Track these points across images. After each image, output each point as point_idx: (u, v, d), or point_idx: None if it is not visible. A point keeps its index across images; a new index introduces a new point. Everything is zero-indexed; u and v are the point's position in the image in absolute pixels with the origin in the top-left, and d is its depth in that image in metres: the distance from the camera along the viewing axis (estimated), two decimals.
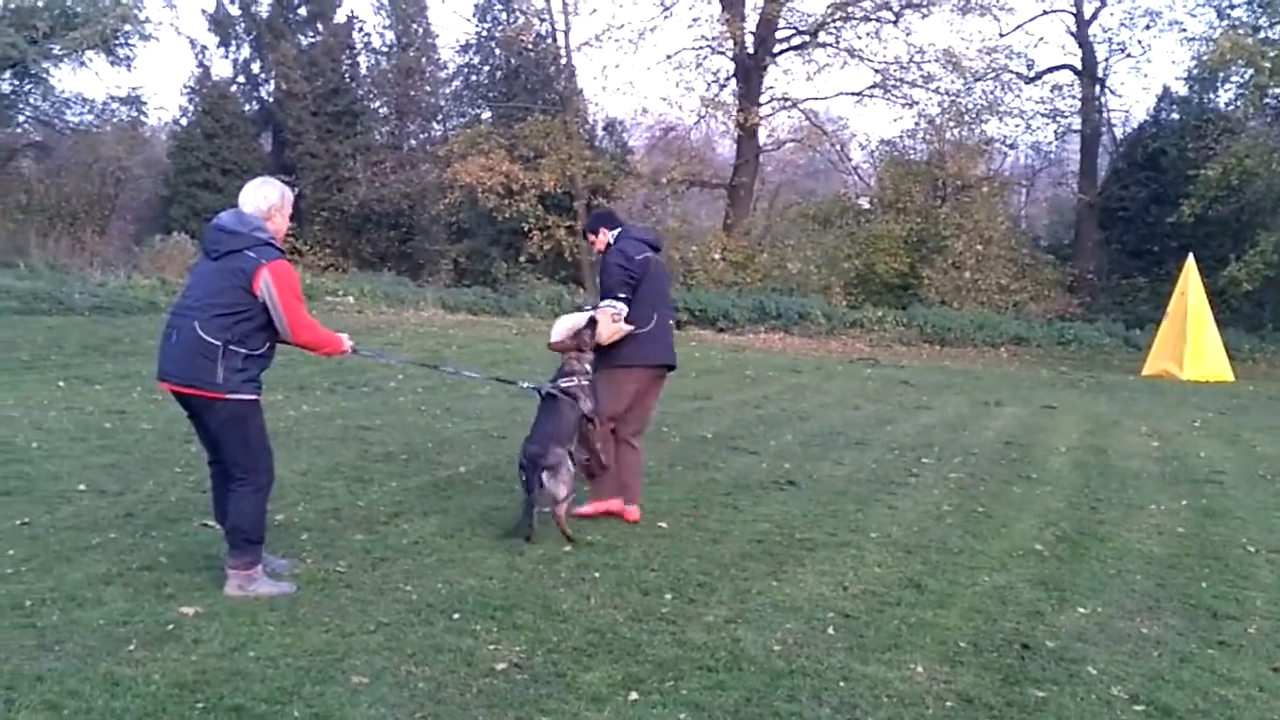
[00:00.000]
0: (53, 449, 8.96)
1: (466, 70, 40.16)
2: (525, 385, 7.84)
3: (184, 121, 37.49)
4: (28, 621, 5.00)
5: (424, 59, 39.96)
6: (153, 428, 10.09)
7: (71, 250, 29.32)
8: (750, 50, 33.86)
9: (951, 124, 33.75)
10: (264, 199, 5.76)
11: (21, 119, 32.37)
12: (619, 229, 7.94)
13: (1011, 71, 34.68)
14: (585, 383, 7.39)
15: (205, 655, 4.71)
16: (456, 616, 5.38)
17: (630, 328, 7.51)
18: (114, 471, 8.24)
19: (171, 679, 4.43)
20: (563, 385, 7.29)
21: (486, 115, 38.16)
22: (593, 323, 7.51)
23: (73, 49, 28.04)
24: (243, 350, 5.52)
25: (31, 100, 31.63)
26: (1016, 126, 37.55)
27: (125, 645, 4.78)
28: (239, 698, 4.30)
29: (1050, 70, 36.17)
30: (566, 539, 6.91)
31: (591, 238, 8.01)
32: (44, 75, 29.93)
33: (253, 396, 5.63)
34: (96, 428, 10.00)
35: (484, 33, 38.77)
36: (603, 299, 7.64)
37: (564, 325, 7.73)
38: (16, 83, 30.27)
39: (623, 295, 7.54)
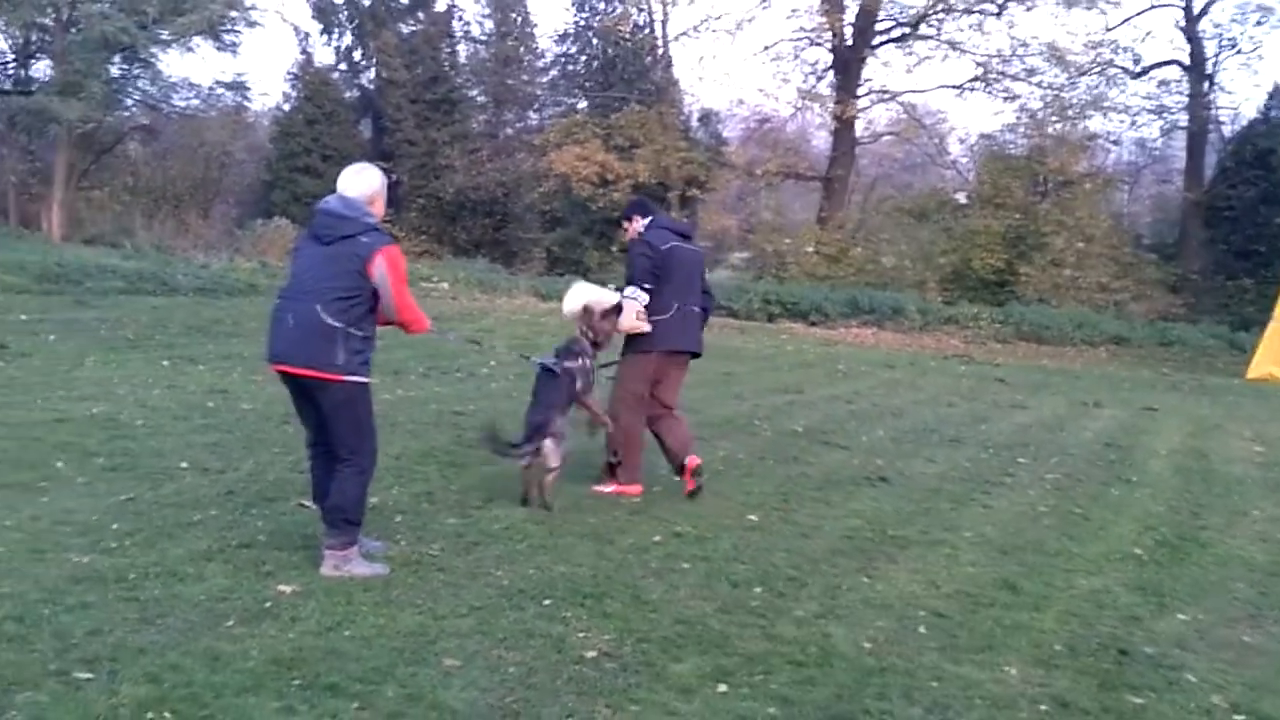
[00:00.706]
0: (157, 426, 9.15)
1: (564, 60, 40.40)
2: (534, 360, 7.94)
3: (286, 107, 38.20)
4: (131, 595, 5.11)
5: (522, 48, 40.26)
6: (253, 408, 10.27)
7: (176, 232, 30.03)
8: (849, 42, 33.60)
9: (1054, 119, 33.19)
10: (367, 184, 5.87)
11: (130, 103, 33.13)
12: (650, 218, 8.14)
13: (1117, 66, 34.04)
14: (587, 364, 7.66)
15: (302, 633, 4.79)
16: (547, 603, 5.42)
17: (647, 327, 7.74)
18: (215, 450, 8.41)
19: (269, 655, 4.51)
20: (566, 365, 7.52)
21: (583, 105, 38.38)
22: (618, 309, 7.69)
23: (181, 34, 28.62)
24: (359, 333, 5.63)
25: (140, 84, 32.35)
26: (1121, 122, 36.90)
27: (225, 621, 4.87)
28: (334, 676, 4.36)
29: (1157, 65, 35.44)
30: (545, 508, 7.23)
31: (625, 225, 8.23)
32: (152, 60, 30.60)
33: (366, 379, 5.75)
34: (199, 406, 10.21)
35: (582, 22, 39.01)
36: (627, 286, 7.82)
37: (583, 295, 7.90)
38: (126, 67, 30.97)
39: (647, 285, 7.76)
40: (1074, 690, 4.85)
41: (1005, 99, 33.79)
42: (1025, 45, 32.75)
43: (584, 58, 39.74)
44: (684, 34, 36.02)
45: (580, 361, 7.58)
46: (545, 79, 41.24)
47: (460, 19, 40.49)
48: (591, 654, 4.81)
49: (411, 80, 37.03)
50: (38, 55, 31.58)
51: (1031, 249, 31.67)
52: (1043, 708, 4.65)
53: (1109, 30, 33.80)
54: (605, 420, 7.86)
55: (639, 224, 8.06)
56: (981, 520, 7.95)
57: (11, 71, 32.47)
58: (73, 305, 17.33)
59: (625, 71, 37.39)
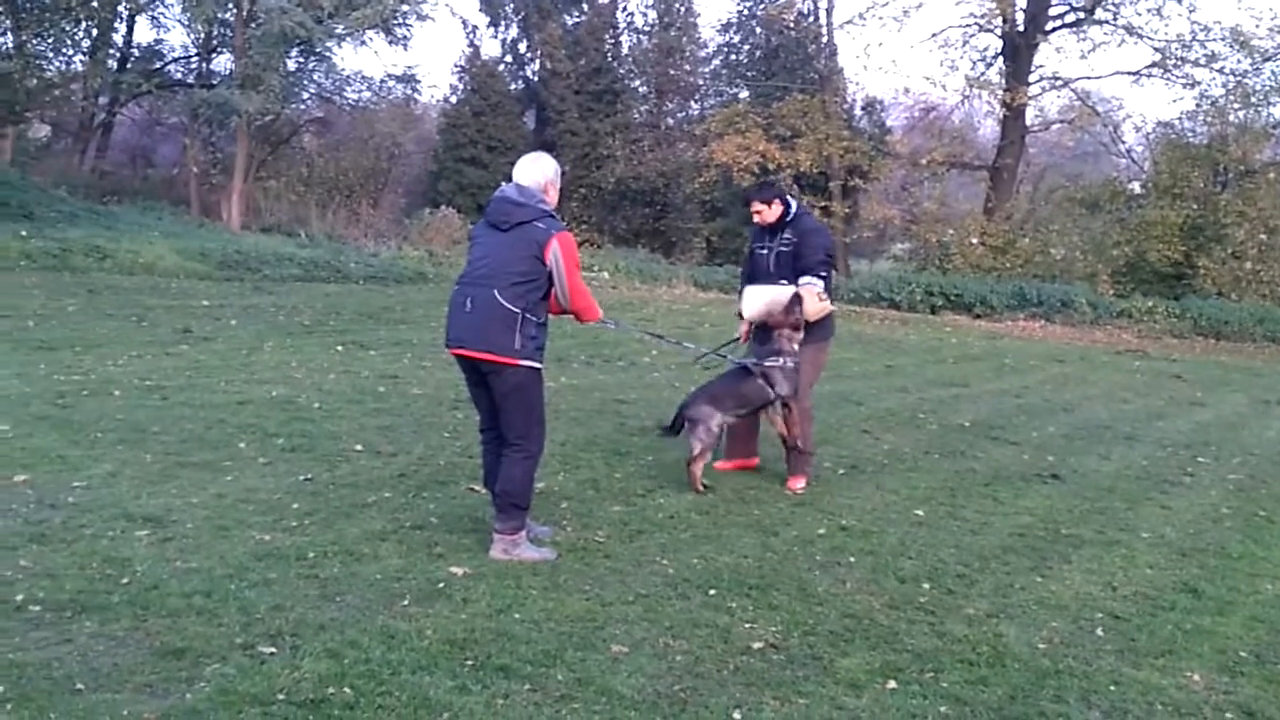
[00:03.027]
0: (332, 410, 9.43)
1: (726, 49, 40.29)
2: (731, 359, 7.88)
3: (454, 99, 38.89)
4: (311, 572, 5.28)
5: (685, 38, 40.26)
6: (422, 393, 10.51)
7: (347, 221, 30.90)
8: (1020, 28, 32.71)
9: (1236, 106, 31.75)
10: (541, 173, 5.98)
11: (305, 95, 34.11)
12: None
13: None
14: (791, 364, 7.48)
15: (474, 614, 4.88)
16: (712, 593, 5.42)
17: (832, 306, 7.70)
18: (388, 434, 8.63)
19: (443, 635, 4.61)
20: (766, 364, 7.44)
21: (744, 94, 38.20)
22: (798, 299, 7.52)
23: (354, 28, 29.30)
24: (535, 319, 5.74)
25: (315, 77, 33.27)
26: None
27: (400, 600, 5.00)
28: (505, 658, 4.44)
29: None
30: (695, 490, 7.36)
31: (764, 207, 7.80)
32: (328, 54, 31.40)
33: (540, 365, 5.86)
34: (371, 391, 10.48)
35: (745, 12, 38.82)
36: (803, 274, 7.63)
37: (763, 297, 7.70)
38: (302, 60, 31.87)
39: (823, 274, 7.66)
40: (1261, 699, 4.66)
41: (1185, 85, 32.52)
42: (1207, 30, 31.43)
43: (746, 47, 39.58)
44: (849, 22, 35.49)
45: (782, 361, 7.46)
46: (707, 69, 41.19)
47: (624, 10, 40.73)
48: (758, 645, 4.79)
49: (575, 71, 37.38)
50: (219, 50, 32.78)
51: (1210, 241, 30.43)
52: (1228, 716, 4.48)
53: None
54: (797, 435, 7.72)
55: (780, 207, 7.79)
56: (1160, 521, 7.68)
57: (194, 65, 33.83)
58: (251, 291, 17.99)
59: (788, 60, 37.11)
